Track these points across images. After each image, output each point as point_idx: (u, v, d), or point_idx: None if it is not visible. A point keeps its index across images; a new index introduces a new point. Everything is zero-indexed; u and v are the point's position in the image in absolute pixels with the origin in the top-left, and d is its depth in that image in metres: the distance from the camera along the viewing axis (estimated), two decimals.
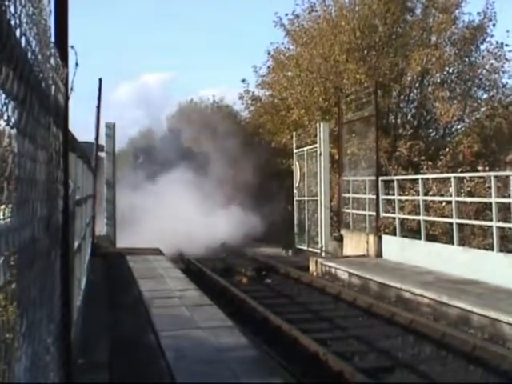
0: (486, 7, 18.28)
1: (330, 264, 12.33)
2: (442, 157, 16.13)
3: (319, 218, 15.44)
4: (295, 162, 17.59)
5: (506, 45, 18.17)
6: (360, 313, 9.11)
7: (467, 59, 18.73)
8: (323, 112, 18.74)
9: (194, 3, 54.91)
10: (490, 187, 10.06)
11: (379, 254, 12.31)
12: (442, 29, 18.39)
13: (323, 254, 14.66)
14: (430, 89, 18.74)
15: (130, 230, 15.42)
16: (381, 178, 12.91)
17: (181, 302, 7.47)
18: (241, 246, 17.97)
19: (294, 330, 7.62)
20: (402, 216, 12.64)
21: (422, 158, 16.18)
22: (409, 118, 19.62)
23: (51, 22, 2.43)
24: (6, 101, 1.22)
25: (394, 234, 12.17)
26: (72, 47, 2.95)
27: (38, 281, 1.74)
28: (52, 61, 2.16)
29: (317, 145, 15.68)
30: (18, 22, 1.31)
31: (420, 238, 11.18)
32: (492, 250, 9.23)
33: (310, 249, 15.94)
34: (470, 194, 12.98)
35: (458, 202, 10.54)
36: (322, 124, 15.80)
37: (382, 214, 12.75)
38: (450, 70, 18.94)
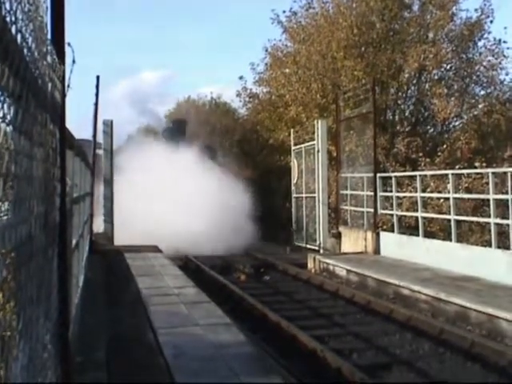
0: (484, 4, 18.32)
1: (327, 261, 12.34)
2: (439, 153, 16.19)
3: (317, 215, 15.44)
4: (293, 158, 17.57)
5: (504, 41, 18.23)
6: (358, 310, 9.12)
7: (465, 56, 18.73)
8: (321, 109, 18.74)
9: (192, 2, 54.86)
10: (487, 183, 10.07)
11: (377, 250, 12.32)
12: (440, 25, 18.40)
13: (321, 251, 14.67)
14: (427, 85, 18.76)
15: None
16: (379, 175, 12.91)
17: (179, 299, 7.46)
18: (241, 245, 17.88)
19: (292, 327, 7.62)
20: (400, 213, 12.65)
21: (420, 154, 16.22)
22: (406, 114, 19.64)
23: (48, 19, 2.42)
24: (2, 98, 1.21)
25: (392, 231, 12.18)
26: (69, 44, 2.93)
27: (35, 278, 1.73)
28: (49, 58, 2.15)
29: (315, 142, 15.68)
30: (13, 18, 1.30)
31: (418, 235, 11.20)
32: (490, 246, 9.26)
33: (308, 246, 15.94)
34: (467, 190, 13.02)
35: (455, 198, 10.56)
36: (319, 121, 15.80)
37: (380, 211, 12.75)
38: (448, 67, 18.97)
